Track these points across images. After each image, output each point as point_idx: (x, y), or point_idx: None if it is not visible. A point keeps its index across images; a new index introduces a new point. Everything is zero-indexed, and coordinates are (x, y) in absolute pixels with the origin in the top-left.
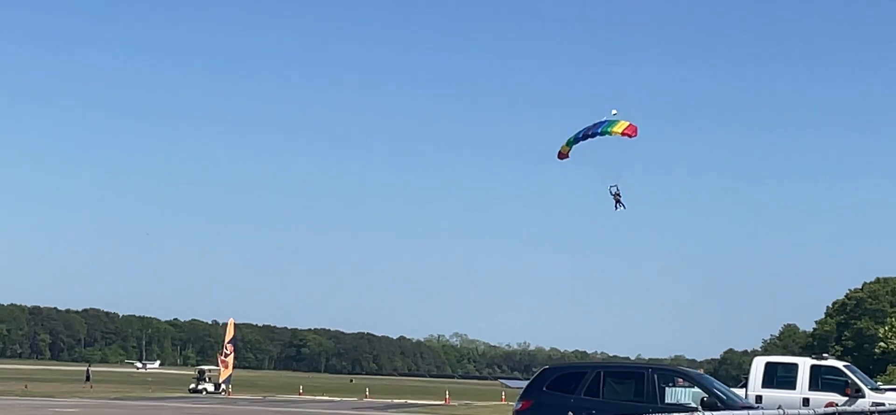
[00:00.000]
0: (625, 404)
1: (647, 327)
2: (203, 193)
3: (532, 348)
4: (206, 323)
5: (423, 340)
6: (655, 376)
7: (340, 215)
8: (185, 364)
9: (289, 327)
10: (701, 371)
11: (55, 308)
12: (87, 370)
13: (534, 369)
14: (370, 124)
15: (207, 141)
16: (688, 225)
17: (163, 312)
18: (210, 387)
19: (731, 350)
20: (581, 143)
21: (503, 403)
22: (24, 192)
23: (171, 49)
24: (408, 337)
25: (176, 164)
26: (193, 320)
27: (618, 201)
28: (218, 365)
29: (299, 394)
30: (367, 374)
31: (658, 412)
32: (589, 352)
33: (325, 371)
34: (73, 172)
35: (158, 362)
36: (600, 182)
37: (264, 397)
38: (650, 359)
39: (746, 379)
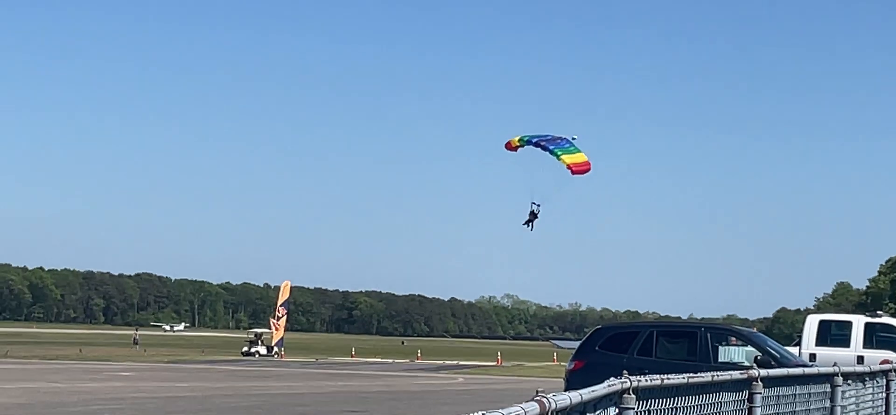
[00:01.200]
0: (678, 363)
1: (699, 287)
2: (255, 155)
3: (583, 308)
4: (259, 286)
5: (474, 301)
6: (708, 335)
7: (391, 178)
8: (237, 327)
9: (340, 290)
10: (754, 330)
11: (108, 273)
12: (135, 335)
13: (585, 330)
14: (413, 87)
15: (258, 104)
16: (739, 184)
17: (215, 275)
18: (263, 350)
19: (783, 309)
20: (533, 146)
21: (555, 363)
22: (75, 158)
23: (213, 13)
24: (459, 299)
25: (227, 127)
26: (245, 283)
27: (531, 220)
28: (270, 328)
29: (351, 356)
30: (418, 336)
31: (712, 371)
32: (641, 312)
33: (376, 333)
34: (125, 137)
35: (183, 325)
36: (529, 192)
37: (317, 359)
38: (703, 318)
39: (799, 338)
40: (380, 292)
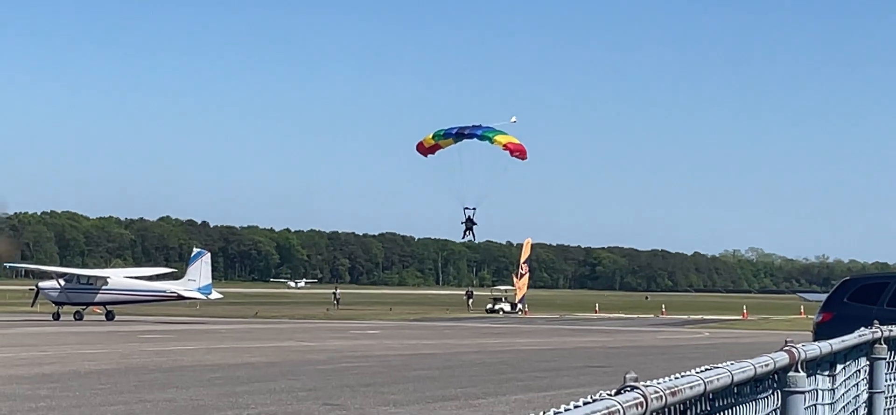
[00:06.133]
0: None
1: None
2: (497, 113)
3: (830, 260)
4: (501, 244)
5: (718, 255)
6: None
7: (631, 132)
8: (481, 286)
9: (582, 246)
10: None
11: (353, 233)
12: (335, 292)
13: (833, 282)
14: (664, 44)
15: (503, 62)
16: None
17: (456, 233)
18: (507, 307)
19: None
20: (455, 141)
21: (802, 316)
22: (315, 122)
23: None
24: (702, 253)
25: (464, 86)
26: (488, 241)
27: (469, 228)
28: (513, 285)
29: (595, 312)
30: (662, 291)
31: None
32: (890, 263)
33: (619, 289)
34: (363, 99)
35: (304, 281)
36: (457, 201)
37: (561, 315)
38: None
39: None
40: (622, 248)
